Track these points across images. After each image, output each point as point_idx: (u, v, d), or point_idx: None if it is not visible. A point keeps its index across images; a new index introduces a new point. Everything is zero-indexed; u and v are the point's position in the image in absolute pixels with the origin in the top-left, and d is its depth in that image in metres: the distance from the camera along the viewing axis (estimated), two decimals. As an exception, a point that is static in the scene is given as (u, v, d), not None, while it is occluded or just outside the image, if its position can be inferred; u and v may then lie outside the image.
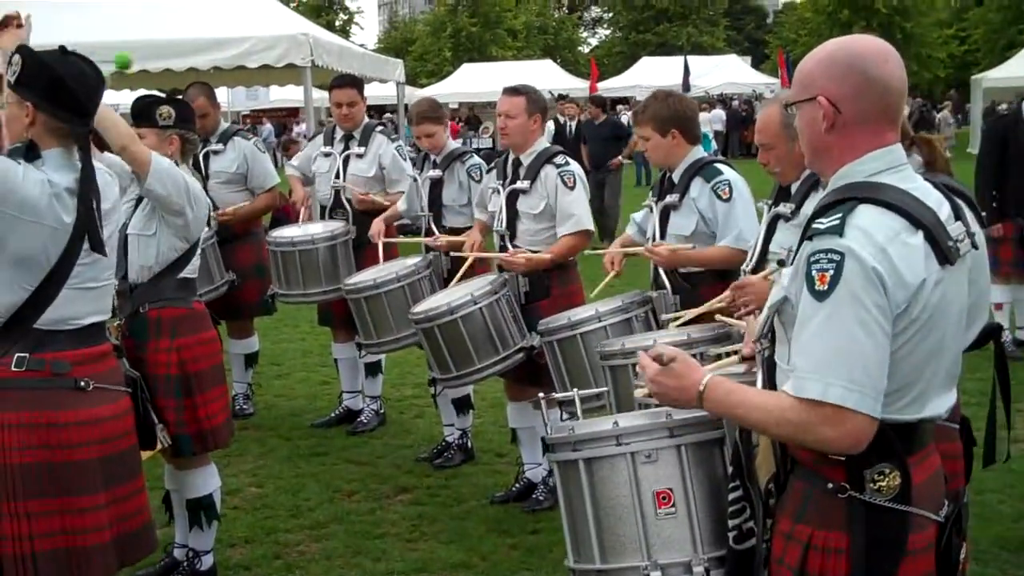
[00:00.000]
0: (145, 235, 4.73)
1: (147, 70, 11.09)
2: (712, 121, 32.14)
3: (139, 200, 4.82)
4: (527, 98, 5.66)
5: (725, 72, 40.94)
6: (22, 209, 3.36)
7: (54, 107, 3.48)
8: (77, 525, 3.48)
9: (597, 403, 4.51)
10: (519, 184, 5.66)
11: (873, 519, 2.40)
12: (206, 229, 5.36)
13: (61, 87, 3.46)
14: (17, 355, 3.46)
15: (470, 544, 5.40)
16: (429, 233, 6.48)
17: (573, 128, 16.96)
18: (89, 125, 3.59)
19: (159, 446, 4.51)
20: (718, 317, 4.28)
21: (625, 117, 15.66)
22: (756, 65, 47.59)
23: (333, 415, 7.56)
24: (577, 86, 40.96)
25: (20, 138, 3.54)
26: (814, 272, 2.31)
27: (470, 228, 6.21)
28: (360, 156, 7.13)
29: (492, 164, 6.07)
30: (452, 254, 6.19)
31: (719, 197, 4.87)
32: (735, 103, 38.03)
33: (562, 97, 17.84)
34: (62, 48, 3.59)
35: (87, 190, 3.48)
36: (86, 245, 3.49)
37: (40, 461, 3.43)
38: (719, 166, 5.03)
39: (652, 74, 37.20)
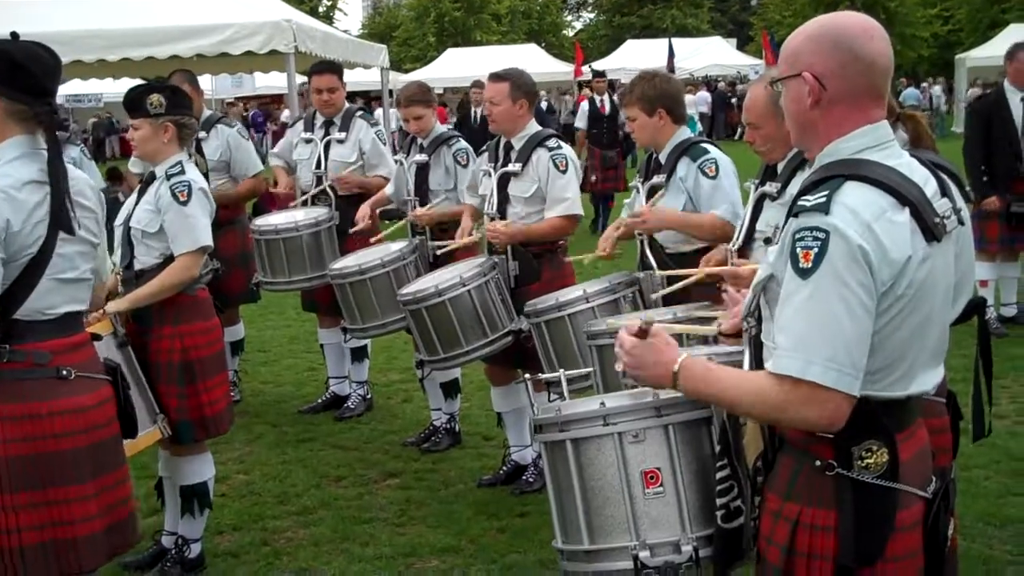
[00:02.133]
0: (148, 232, 4.74)
1: (129, 58, 11.04)
2: (697, 103, 32.09)
3: (141, 194, 4.80)
4: (511, 83, 5.63)
5: (710, 54, 40.93)
6: None
7: (12, 90, 3.42)
8: (65, 516, 3.45)
9: (584, 383, 4.50)
10: (510, 167, 5.64)
11: (861, 496, 2.39)
12: None
13: (17, 69, 3.41)
14: None
15: (458, 528, 5.40)
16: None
17: (608, 105, 15.09)
18: (52, 105, 3.53)
19: (157, 436, 4.49)
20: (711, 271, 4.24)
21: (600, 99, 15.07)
22: (741, 47, 47.65)
23: (320, 401, 7.55)
24: (562, 70, 40.88)
25: None
26: (798, 249, 2.30)
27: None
28: (341, 142, 7.10)
29: (484, 147, 6.04)
30: (441, 247, 6.14)
31: (705, 174, 4.87)
32: (720, 85, 38.01)
33: (598, 74, 16.38)
34: (13, 34, 3.54)
35: (56, 174, 3.43)
36: (62, 235, 3.45)
37: (25, 454, 3.40)
38: (705, 146, 5.03)
39: (637, 57, 37.09)
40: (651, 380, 2.60)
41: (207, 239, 4.77)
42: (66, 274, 3.48)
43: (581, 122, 15.33)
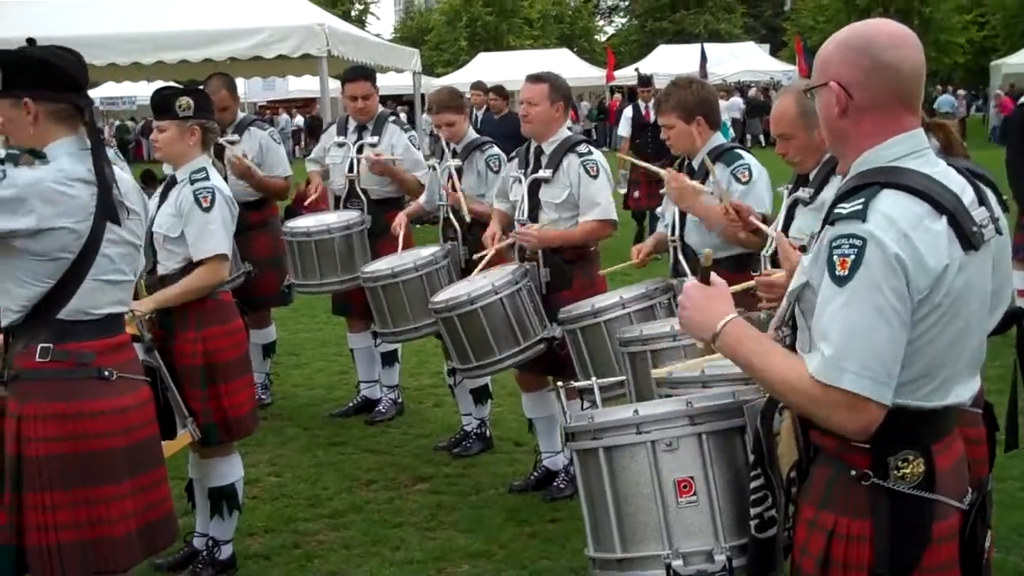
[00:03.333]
0: (171, 236, 4.77)
1: (163, 61, 11.12)
2: (730, 109, 32.01)
3: (163, 198, 4.83)
4: (550, 85, 5.63)
5: (742, 60, 40.80)
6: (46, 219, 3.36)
7: (50, 91, 3.44)
8: (103, 515, 3.47)
9: (618, 391, 4.49)
10: (541, 173, 5.63)
11: (897, 506, 2.38)
12: None
13: (49, 69, 3.43)
14: (41, 346, 3.45)
15: (489, 533, 5.40)
16: (447, 223, 6.46)
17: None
18: (88, 98, 3.55)
19: (189, 439, 4.52)
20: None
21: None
22: (774, 52, 47.37)
23: (351, 405, 7.57)
24: (594, 75, 40.93)
25: (28, 142, 3.49)
26: (835, 257, 2.29)
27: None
28: (373, 146, 7.12)
29: (514, 152, 6.04)
30: (475, 256, 6.14)
31: (738, 180, 4.85)
32: (752, 91, 37.88)
33: (644, 81, 14.91)
34: (29, 40, 3.54)
35: (101, 167, 3.45)
36: (108, 235, 3.47)
37: (65, 452, 3.43)
38: (739, 151, 5.02)
39: (669, 62, 37.00)
40: (695, 324, 2.58)
41: (224, 247, 4.79)
42: (109, 275, 3.51)
43: (624, 130, 14.03)
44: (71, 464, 3.43)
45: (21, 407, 3.46)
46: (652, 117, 13.40)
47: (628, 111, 14.04)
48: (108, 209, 3.44)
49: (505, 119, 13.34)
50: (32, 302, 3.43)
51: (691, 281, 2.63)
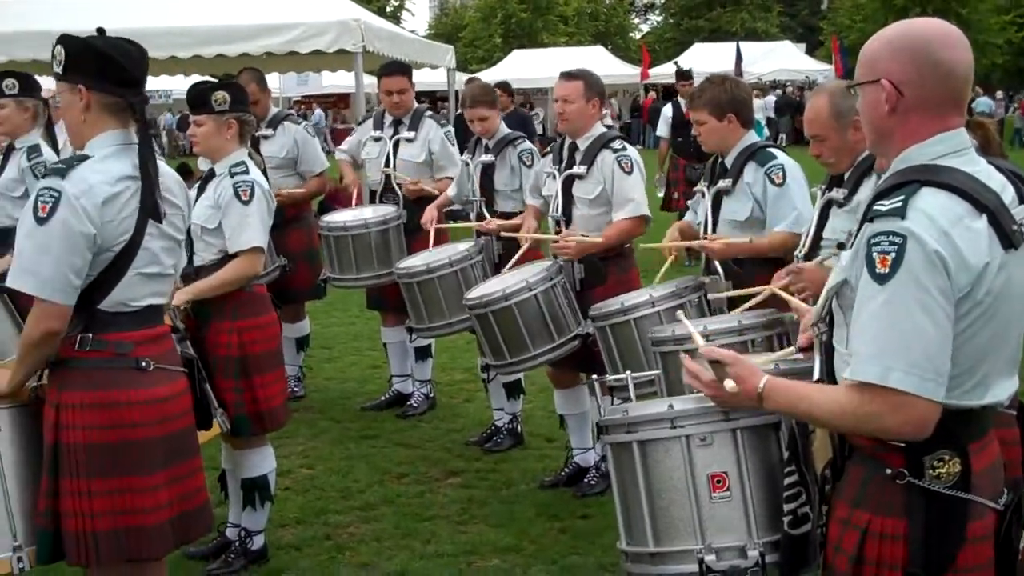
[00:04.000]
0: (208, 228, 4.81)
1: (200, 55, 11.19)
2: (765, 108, 31.88)
3: (201, 191, 4.87)
4: (585, 82, 5.64)
5: (778, 58, 40.58)
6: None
7: (105, 82, 3.48)
8: (137, 504, 3.50)
9: (649, 389, 4.49)
10: (575, 169, 5.63)
11: (932, 506, 2.37)
12: None
13: (108, 61, 3.47)
14: (81, 335, 3.48)
15: (519, 528, 5.41)
16: (480, 217, 6.48)
17: None
18: (142, 95, 3.59)
19: (219, 429, 4.55)
20: (777, 291, 4.21)
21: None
22: (810, 52, 47.09)
23: (383, 398, 7.60)
24: (628, 72, 40.82)
25: (78, 127, 3.54)
26: (875, 254, 2.28)
27: (521, 213, 6.20)
28: (410, 141, 7.14)
29: (548, 148, 6.05)
30: (504, 235, 6.17)
31: (772, 182, 4.83)
32: (788, 89, 37.68)
33: (684, 75, 13.84)
34: (99, 30, 3.60)
35: (147, 165, 3.49)
36: (150, 229, 3.50)
37: (103, 441, 3.46)
38: (773, 151, 4.99)
39: (704, 60, 36.85)
40: (737, 406, 2.65)
41: (261, 241, 4.83)
42: (151, 268, 3.53)
43: (663, 130, 13.18)
44: (108, 452, 3.46)
45: (60, 395, 3.49)
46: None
47: (667, 110, 13.29)
48: (151, 206, 3.48)
49: (510, 116, 12.70)
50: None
51: (704, 372, 2.63)
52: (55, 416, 3.48)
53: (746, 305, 4.41)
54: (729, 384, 2.54)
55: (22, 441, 3.62)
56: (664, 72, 39.54)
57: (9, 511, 3.55)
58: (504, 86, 13.68)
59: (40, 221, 3.33)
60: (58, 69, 3.52)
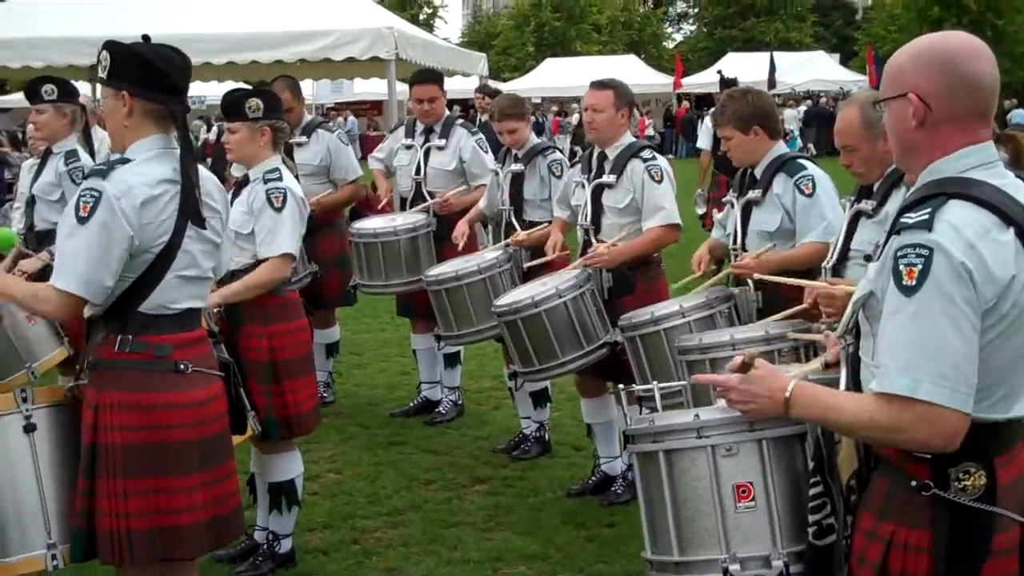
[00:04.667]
0: (242, 233, 4.85)
1: (234, 62, 11.29)
2: (798, 118, 31.75)
3: (235, 196, 4.92)
4: (615, 92, 5.65)
5: (812, 69, 40.43)
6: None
7: (148, 90, 3.53)
8: (173, 505, 3.54)
9: (677, 399, 4.49)
10: (605, 178, 5.65)
11: (957, 518, 2.36)
12: None
13: (151, 69, 3.52)
14: (121, 337, 3.52)
15: (546, 535, 5.42)
16: (509, 226, 6.50)
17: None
18: (185, 103, 3.65)
19: (249, 432, 4.60)
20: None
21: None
22: (844, 62, 46.91)
23: (411, 405, 7.63)
24: (661, 82, 40.79)
25: (120, 131, 3.59)
26: (902, 267, 2.28)
27: (549, 222, 6.22)
28: (441, 149, 7.17)
29: (577, 158, 6.06)
30: (532, 263, 6.17)
31: (801, 192, 4.82)
32: (822, 100, 37.54)
33: (728, 83, 12.89)
34: (145, 37, 3.66)
35: (188, 171, 3.53)
36: (189, 233, 3.55)
37: (140, 441, 3.50)
38: (802, 161, 4.98)
39: (737, 70, 36.79)
40: (763, 413, 2.61)
41: (290, 247, 4.86)
42: (189, 271, 3.58)
43: (704, 142, 12.51)
44: (144, 453, 3.50)
45: (98, 396, 3.54)
46: None
47: (708, 121, 12.28)
48: (191, 211, 3.53)
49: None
50: (115, 295, 3.51)
51: (732, 377, 2.63)
52: (93, 417, 3.53)
53: (776, 316, 4.41)
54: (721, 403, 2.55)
55: (59, 440, 3.69)
56: (697, 82, 39.54)
57: (45, 509, 3.61)
58: (487, 91, 12.70)
59: (81, 220, 3.40)
60: (103, 74, 3.58)
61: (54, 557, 3.61)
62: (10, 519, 3.60)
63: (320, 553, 5.30)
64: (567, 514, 5.70)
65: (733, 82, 12.74)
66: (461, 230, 6.68)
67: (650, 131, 34.65)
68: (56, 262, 3.50)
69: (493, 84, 16.59)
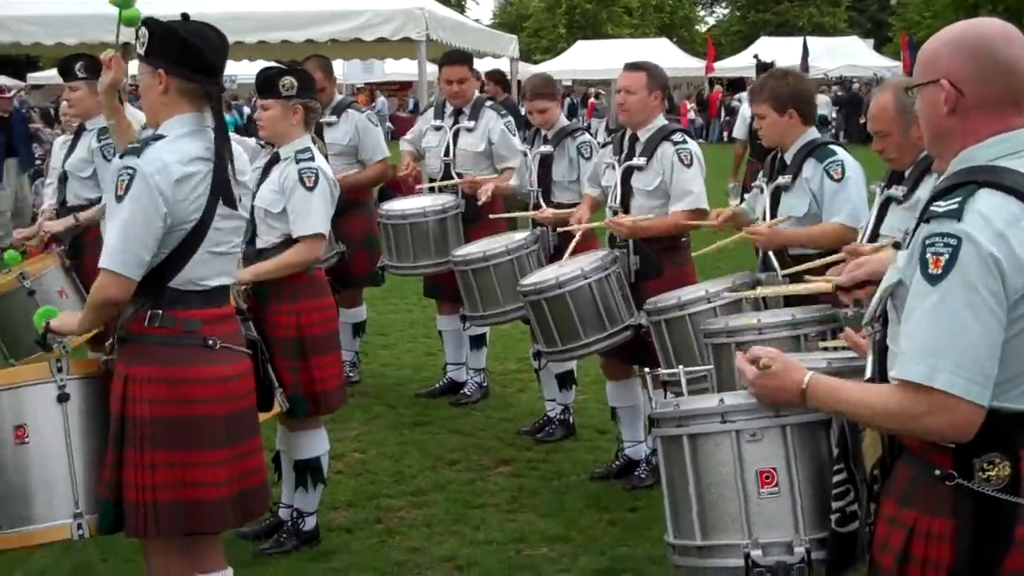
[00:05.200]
0: (272, 212, 4.88)
1: (265, 41, 11.30)
2: (829, 104, 31.55)
3: (265, 172, 4.94)
4: (648, 74, 5.64)
5: (845, 54, 40.11)
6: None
7: (183, 68, 3.56)
8: (198, 478, 3.57)
9: (702, 384, 4.48)
10: (635, 160, 5.64)
11: (980, 508, 2.35)
12: None
13: (188, 48, 3.55)
14: (151, 312, 3.55)
15: (569, 518, 5.43)
16: (537, 208, 6.50)
17: None
18: (219, 83, 3.67)
19: (278, 409, 4.63)
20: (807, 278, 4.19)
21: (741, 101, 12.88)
22: (878, 48, 46.54)
23: (437, 386, 7.66)
24: (693, 65, 40.60)
25: (155, 108, 3.62)
26: (928, 255, 2.27)
27: (578, 204, 6.22)
28: (470, 130, 7.16)
29: (608, 139, 6.05)
30: (560, 230, 6.19)
31: (830, 177, 4.81)
32: (855, 86, 37.25)
33: (765, 67, 12.27)
34: (184, 15, 3.68)
35: (222, 150, 3.56)
36: (220, 210, 3.57)
37: (167, 415, 3.54)
38: (833, 147, 4.97)
39: (770, 54, 36.58)
40: (782, 401, 2.65)
41: (323, 227, 4.90)
42: (219, 247, 3.61)
43: (741, 131, 12.01)
44: (172, 427, 3.54)
45: (128, 368, 3.58)
46: None
47: (745, 108, 11.73)
48: (223, 192, 3.56)
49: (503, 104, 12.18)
50: (145, 270, 3.53)
51: (750, 369, 2.64)
52: (123, 388, 3.57)
53: (801, 287, 4.39)
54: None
55: (91, 411, 3.73)
56: (729, 66, 39.33)
57: (73, 478, 3.65)
58: (496, 75, 12.68)
59: (118, 199, 3.44)
60: (141, 50, 3.61)
61: (80, 527, 3.65)
62: (38, 487, 3.65)
63: (344, 531, 5.33)
64: (590, 497, 5.71)
65: (770, 66, 12.11)
66: (487, 187, 6.68)
67: (691, 115, 34.54)
68: (105, 243, 3.53)
69: (523, 66, 16.57)
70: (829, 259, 4.31)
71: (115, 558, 4.89)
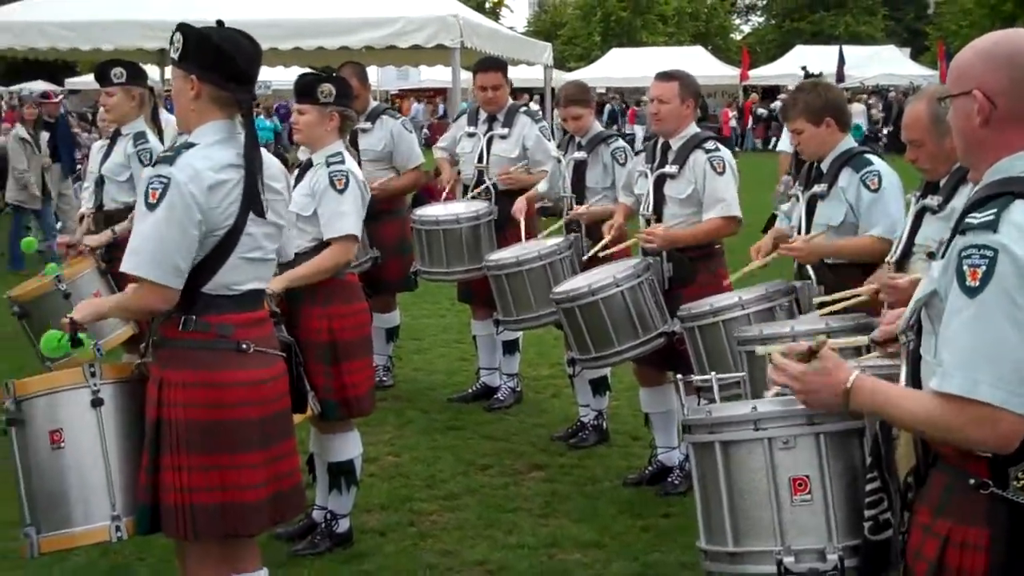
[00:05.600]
0: (304, 215, 4.91)
1: (300, 48, 11.37)
2: (864, 113, 31.40)
3: (298, 179, 4.98)
4: (680, 83, 5.65)
5: (882, 62, 39.93)
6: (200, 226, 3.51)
7: (216, 76, 3.58)
8: (234, 481, 3.60)
9: (735, 390, 4.49)
10: (667, 168, 5.65)
11: (1016, 517, 2.34)
12: None
13: (221, 56, 3.57)
14: (184, 316, 3.58)
15: (601, 523, 5.44)
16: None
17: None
18: (252, 92, 3.70)
19: (309, 412, 4.66)
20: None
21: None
22: (915, 56, 46.26)
23: (470, 391, 7.68)
24: (727, 74, 40.51)
25: (186, 113, 3.65)
26: (965, 268, 2.27)
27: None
28: (504, 137, 7.19)
29: (641, 147, 6.07)
30: (594, 254, 6.19)
31: (867, 187, 4.80)
32: (891, 95, 37.06)
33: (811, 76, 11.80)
34: (219, 22, 3.72)
35: (251, 159, 3.59)
36: (252, 217, 3.60)
37: (202, 419, 3.56)
38: (869, 156, 4.96)
39: (805, 63, 36.53)
40: (822, 403, 2.60)
41: (354, 228, 4.93)
42: (253, 253, 3.64)
43: (786, 144, 11.07)
44: (207, 430, 3.57)
45: (162, 373, 3.62)
46: None
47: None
48: (253, 200, 3.58)
49: None
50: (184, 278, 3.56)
51: (793, 365, 2.59)
52: (158, 393, 3.60)
53: (838, 306, 4.39)
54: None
55: (125, 415, 3.76)
56: (764, 74, 39.21)
57: (110, 481, 3.68)
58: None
59: (150, 207, 3.45)
60: (174, 56, 3.63)
61: (118, 528, 3.68)
62: (75, 491, 3.68)
63: (377, 534, 5.36)
64: (623, 503, 5.72)
65: (817, 77, 11.97)
66: (520, 205, 6.71)
67: (732, 123, 34.45)
68: (128, 247, 3.56)
69: (557, 73, 16.56)
70: (862, 293, 4.27)
71: (152, 558, 4.94)
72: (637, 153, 6.26)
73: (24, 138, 13.20)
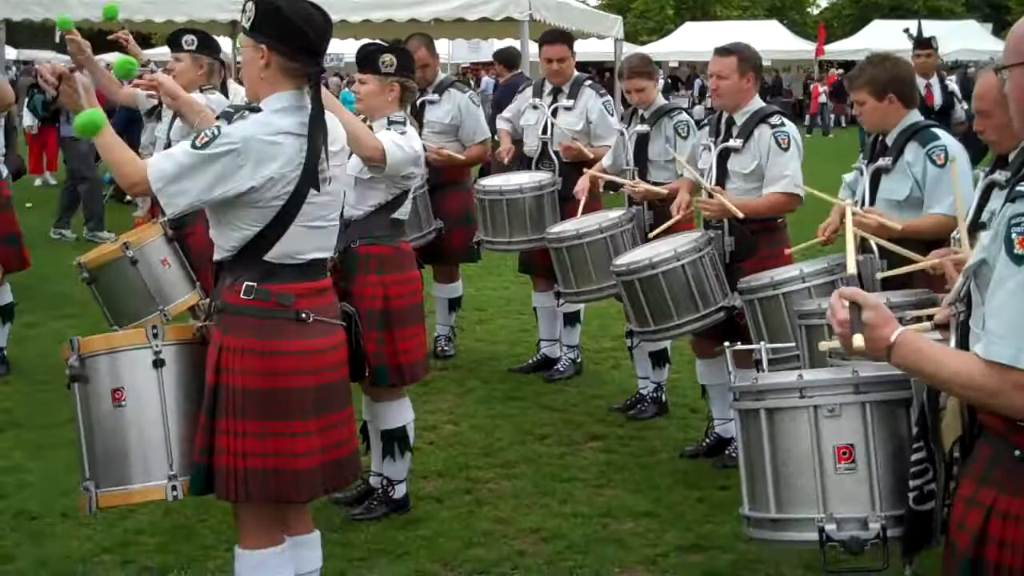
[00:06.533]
0: (362, 178, 4.94)
1: (370, 20, 11.49)
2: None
3: None
4: (738, 57, 5.61)
5: (961, 38, 39.09)
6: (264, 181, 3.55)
7: (286, 47, 3.60)
8: (289, 448, 3.65)
9: (793, 364, 4.47)
10: (731, 143, 5.62)
11: (1060, 490, 2.34)
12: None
13: (292, 28, 3.59)
14: (246, 284, 3.63)
15: (657, 494, 5.46)
16: (633, 188, 6.51)
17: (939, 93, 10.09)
18: (320, 65, 3.71)
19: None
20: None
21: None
22: (997, 32, 45.24)
23: (530, 361, 7.72)
24: (803, 48, 39.98)
25: (255, 82, 3.67)
26: (1014, 235, 2.26)
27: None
28: (568, 109, 7.20)
29: (706, 120, 6.04)
30: (657, 204, 6.19)
31: (933, 162, 4.74)
32: (970, 70, 36.30)
33: (922, 42, 10.29)
34: None
35: (316, 130, 3.61)
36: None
37: (259, 386, 3.61)
38: (936, 131, 4.89)
39: (882, 38, 35.78)
40: (865, 352, 2.55)
41: (390, 143, 4.84)
42: (315, 222, 3.67)
43: None
44: (263, 397, 3.62)
45: (223, 338, 3.67)
46: (937, 99, 10.03)
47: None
48: (312, 177, 3.59)
49: (506, 85, 12.11)
50: (242, 243, 3.62)
51: (843, 310, 2.53)
52: (217, 358, 3.66)
53: (901, 270, 4.34)
54: (857, 340, 2.49)
55: (186, 377, 3.83)
56: (840, 49, 38.61)
57: (168, 441, 3.76)
58: (498, 56, 12.68)
59: (193, 146, 3.50)
60: (246, 24, 3.66)
61: (174, 488, 3.75)
62: (135, 449, 3.76)
63: (434, 500, 5.42)
64: (679, 474, 5.73)
65: (928, 41, 10.69)
66: (583, 185, 6.72)
67: (823, 98, 33.97)
68: (153, 157, 3.62)
69: (627, 46, 16.51)
70: (923, 264, 4.24)
71: (212, 519, 5.05)
72: (700, 127, 6.23)
73: None
